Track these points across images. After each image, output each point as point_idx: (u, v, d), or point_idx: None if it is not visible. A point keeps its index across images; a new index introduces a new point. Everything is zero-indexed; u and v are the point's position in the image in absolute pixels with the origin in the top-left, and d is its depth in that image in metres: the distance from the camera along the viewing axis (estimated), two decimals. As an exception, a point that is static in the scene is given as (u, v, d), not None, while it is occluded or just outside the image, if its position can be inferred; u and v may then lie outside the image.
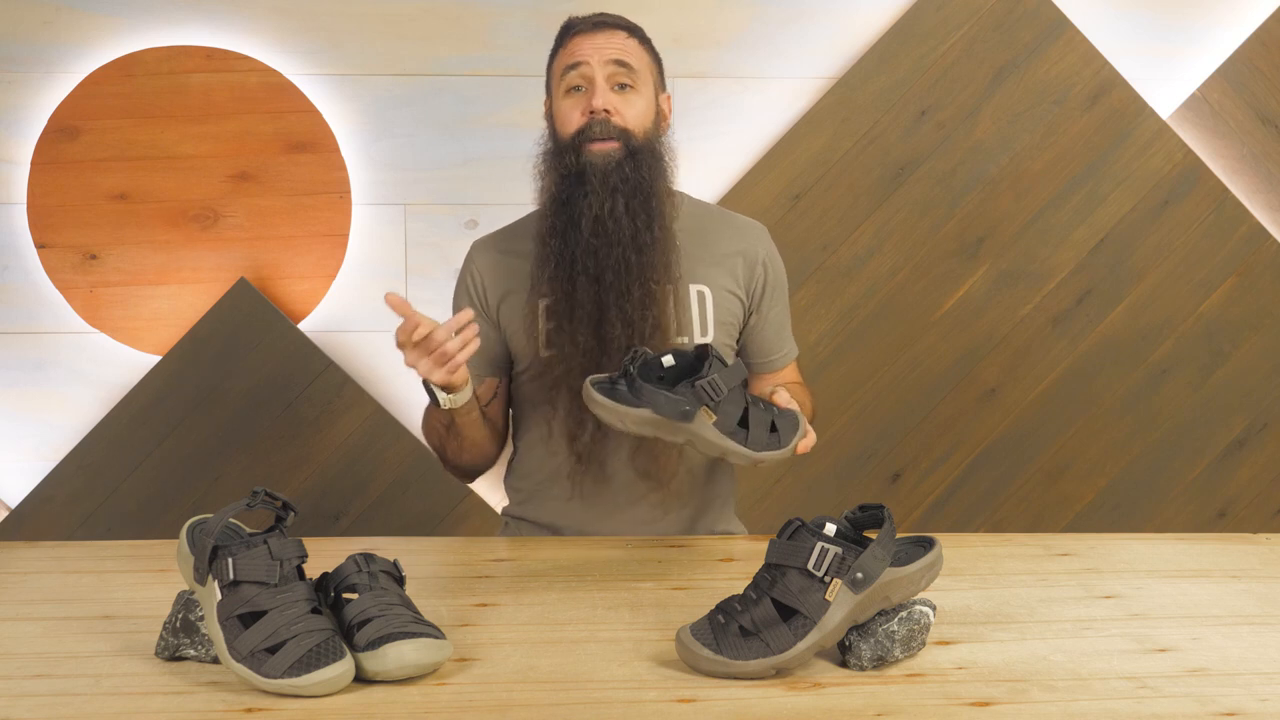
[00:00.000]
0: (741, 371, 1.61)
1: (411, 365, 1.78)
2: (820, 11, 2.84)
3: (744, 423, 1.62)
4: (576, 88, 1.97)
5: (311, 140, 2.79)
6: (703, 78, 2.82)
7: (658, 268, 1.95)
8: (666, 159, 2.01)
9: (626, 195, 1.93)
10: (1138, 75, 2.87)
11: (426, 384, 1.84)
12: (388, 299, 1.74)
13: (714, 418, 1.59)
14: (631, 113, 1.97)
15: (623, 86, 1.97)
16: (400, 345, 1.77)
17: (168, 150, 2.77)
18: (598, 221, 1.92)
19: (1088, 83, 2.84)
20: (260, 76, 2.77)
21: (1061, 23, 2.83)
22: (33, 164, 2.76)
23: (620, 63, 1.97)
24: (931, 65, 2.83)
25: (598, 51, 1.97)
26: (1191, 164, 2.87)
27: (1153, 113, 2.86)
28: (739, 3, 2.82)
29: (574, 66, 1.97)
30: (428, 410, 2.02)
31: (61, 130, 2.75)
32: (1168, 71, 2.90)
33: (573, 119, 1.96)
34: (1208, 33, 2.89)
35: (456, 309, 2.09)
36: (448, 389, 1.85)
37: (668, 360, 1.62)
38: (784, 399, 1.74)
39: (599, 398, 1.60)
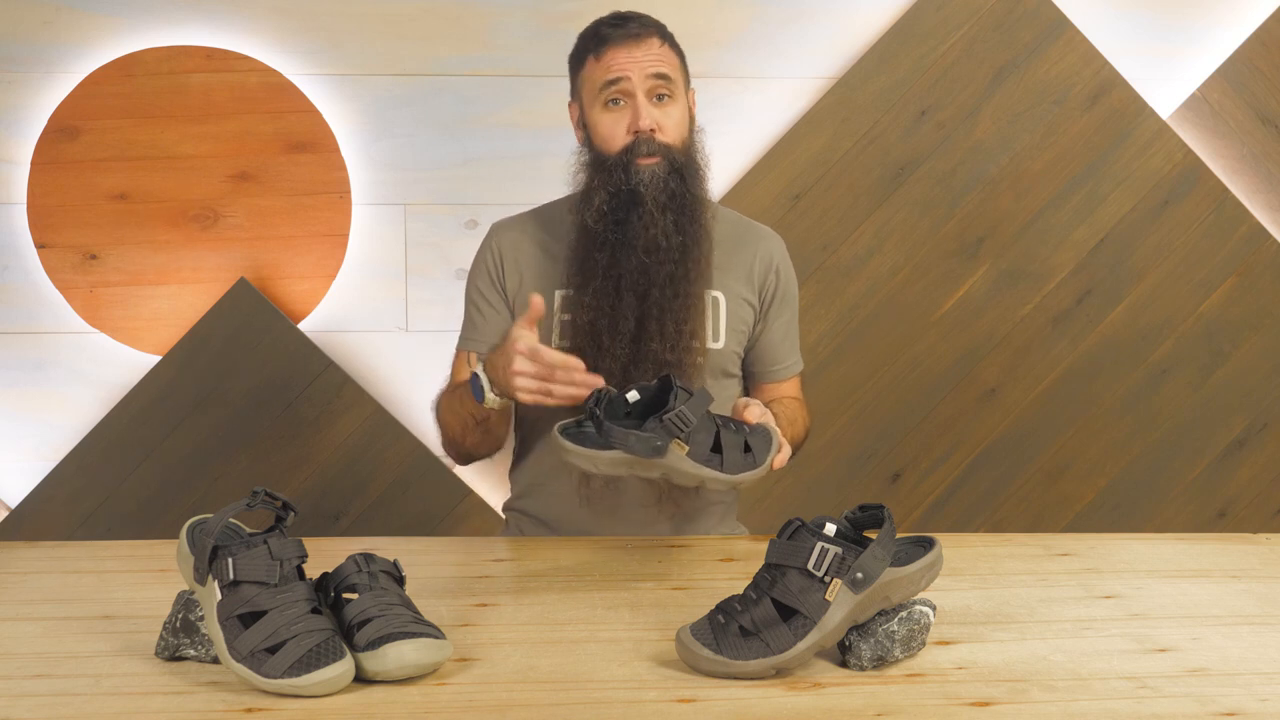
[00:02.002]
0: (707, 399, 1.61)
1: (515, 373, 1.73)
2: (820, 11, 2.84)
3: (717, 447, 1.62)
4: (616, 101, 1.97)
5: (311, 140, 2.79)
6: (703, 78, 2.81)
7: (700, 280, 1.97)
8: (703, 166, 2.01)
9: (675, 212, 1.94)
10: (1138, 75, 2.87)
11: (476, 381, 1.82)
12: (533, 301, 1.74)
13: (686, 448, 1.59)
14: (672, 124, 1.97)
15: (661, 97, 1.97)
16: (517, 352, 1.73)
17: (168, 150, 2.77)
18: (652, 241, 1.93)
19: (1088, 83, 2.84)
20: (260, 76, 2.77)
21: (1061, 23, 2.83)
22: (33, 164, 2.76)
23: (660, 75, 1.96)
24: (931, 65, 2.83)
25: (637, 66, 1.96)
26: (1191, 164, 2.87)
27: (1153, 113, 2.86)
28: (739, 3, 2.82)
29: (614, 82, 1.96)
30: (457, 400, 1.97)
31: (61, 130, 2.75)
32: (1168, 71, 2.90)
33: (617, 135, 1.96)
34: (1208, 33, 2.89)
35: (472, 286, 2.09)
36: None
37: (632, 396, 1.62)
38: (755, 414, 1.72)
39: (570, 446, 1.59)
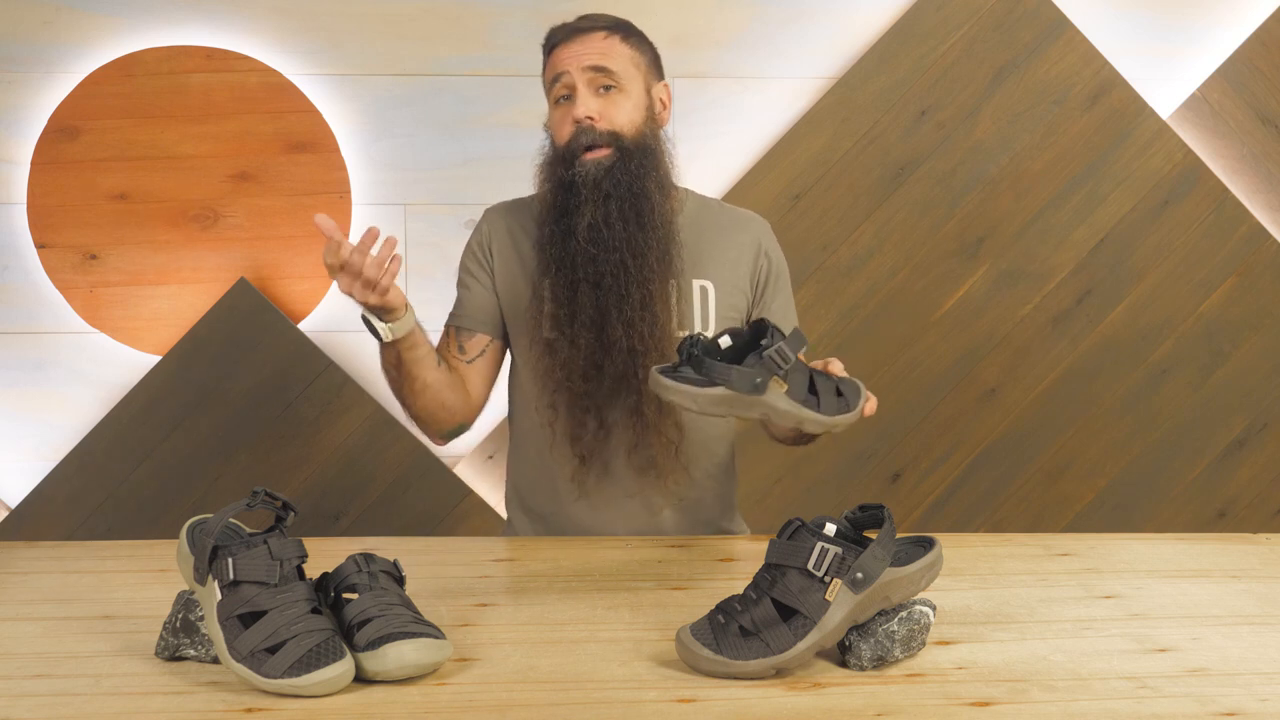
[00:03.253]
0: (802, 340, 1.63)
1: (346, 292, 1.79)
2: (820, 11, 2.84)
3: (812, 390, 1.63)
4: (564, 97, 2.01)
5: (311, 140, 2.79)
6: (703, 78, 2.82)
7: (655, 268, 1.97)
8: (660, 153, 2.02)
9: (619, 200, 1.96)
10: (1138, 75, 2.87)
11: (366, 319, 1.87)
12: (316, 220, 1.75)
13: (785, 387, 1.60)
14: (618, 114, 1.98)
15: (606, 89, 1.99)
16: (329, 271, 1.78)
17: (168, 150, 2.77)
18: (592, 229, 1.95)
19: (1088, 83, 2.84)
20: (260, 76, 2.77)
21: (1061, 23, 2.83)
22: (33, 164, 2.76)
23: (598, 68, 1.99)
24: (931, 65, 2.83)
25: (575, 59, 1.99)
26: (1191, 164, 2.87)
27: (1153, 113, 2.86)
28: (739, 3, 2.82)
29: (557, 78, 2.01)
30: (380, 353, 2.00)
31: (61, 130, 2.75)
32: (1168, 71, 2.90)
33: (564, 129, 2.00)
34: (1208, 33, 2.89)
35: (462, 265, 2.12)
36: (386, 315, 1.85)
37: (725, 341, 1.64)
38: (838, 367, 1.76)
39: (669, 382, 1.59)
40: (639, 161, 1.98)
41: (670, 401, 1.61)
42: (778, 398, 1.60)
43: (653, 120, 2.03)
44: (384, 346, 1.92)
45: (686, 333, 1.65)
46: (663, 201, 2.00)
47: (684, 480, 2.03)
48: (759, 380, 1.58)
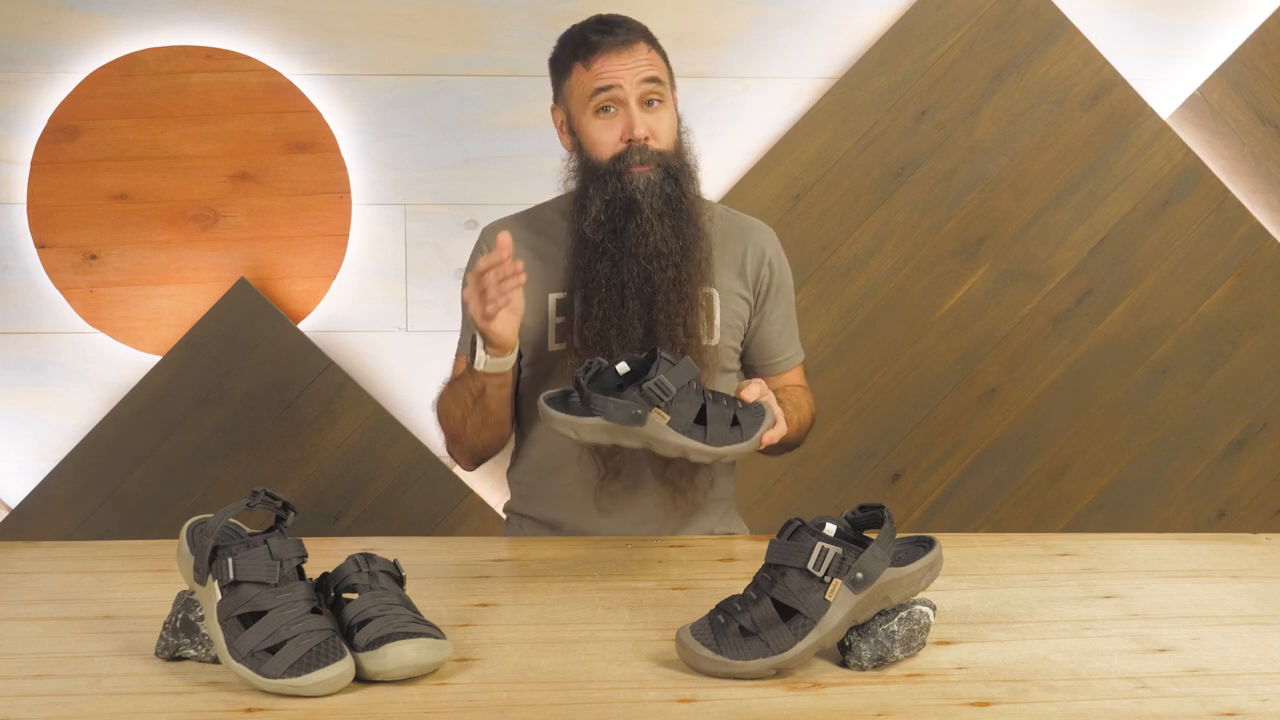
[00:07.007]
0: (691, 370, 1.62)
1: (465, 300, 1.83)
2: (820, 11, 2.84)
3: (702, 419, 1.63)
4: (606, 108, 1.96)
5: (311, 140, 2.79)
6: (703, 78, 2.82)
7: (701, 279, 1.98)
8: (694, 167, 2.01)
9: (673, 217, 1.95)
10: (1138, 75, 2.87)
11: (473, 344, 1.87)
12: (500, 240, 1.77)
13: (667, 417, 1.60)
14: (664, 130, 1.97)
15: (652, 103, 1.97)
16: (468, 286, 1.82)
17: (168, 150, 2.77)
18: (653, 249, 1.93)
19: (1088, 83, 2.84)
20: (260, 76, 2.77)
21: (1061, 23, 2.83)
22: (33, 164, 2.75)
23: (651, 79, 1.96)
24: (931, 65, 2.83)
25: (629, 73, 1.95)
26: (1191, 164, 2.87)
27: (1153, 113, 2.86)
28: (739, 3, 2.82)
29: (605, 89, 1.95)
30: (453, 384, 2.01)
31: (61, 130, 2.75)
32: (1168, 71, 2.90)
33: (608, 142, 1.96)
34: (1208, 33, 2.89)
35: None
36: (489, 347, 1.84)
37: (622, 367, 1.64)
38: (753, 393, 1.73)
39: (553, 413, 1.61)
40: (682, 177, 1.97)
41: (554, 430, 1.62)
42: (659, 429, 1.60)
43: (681, 134, 2.02)
44: (471, 375, 1.91)
45: (589, 360, 1.66)
46: (700, 210, 2.00)
47: (690, 482, 2.02)
48: (637, 412, 1.58)
